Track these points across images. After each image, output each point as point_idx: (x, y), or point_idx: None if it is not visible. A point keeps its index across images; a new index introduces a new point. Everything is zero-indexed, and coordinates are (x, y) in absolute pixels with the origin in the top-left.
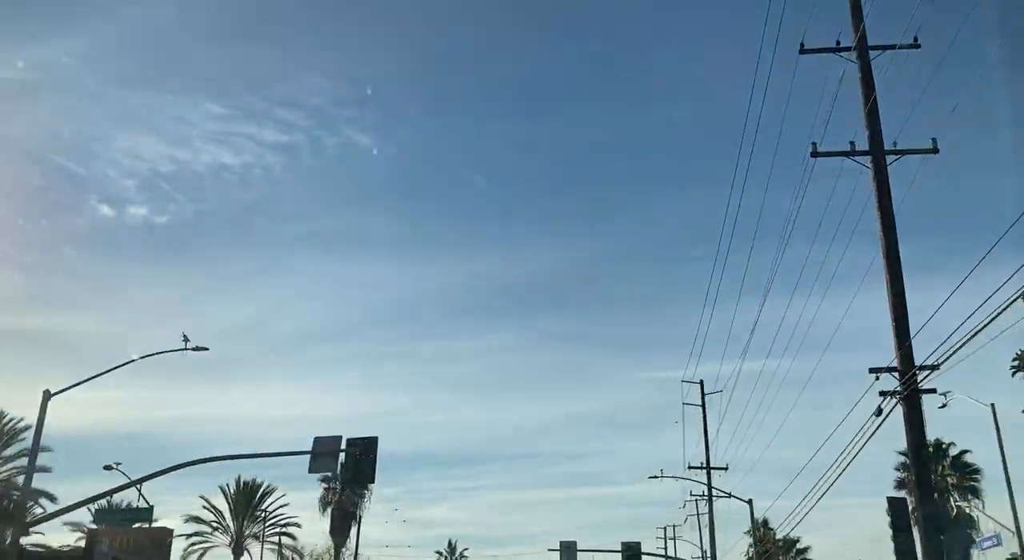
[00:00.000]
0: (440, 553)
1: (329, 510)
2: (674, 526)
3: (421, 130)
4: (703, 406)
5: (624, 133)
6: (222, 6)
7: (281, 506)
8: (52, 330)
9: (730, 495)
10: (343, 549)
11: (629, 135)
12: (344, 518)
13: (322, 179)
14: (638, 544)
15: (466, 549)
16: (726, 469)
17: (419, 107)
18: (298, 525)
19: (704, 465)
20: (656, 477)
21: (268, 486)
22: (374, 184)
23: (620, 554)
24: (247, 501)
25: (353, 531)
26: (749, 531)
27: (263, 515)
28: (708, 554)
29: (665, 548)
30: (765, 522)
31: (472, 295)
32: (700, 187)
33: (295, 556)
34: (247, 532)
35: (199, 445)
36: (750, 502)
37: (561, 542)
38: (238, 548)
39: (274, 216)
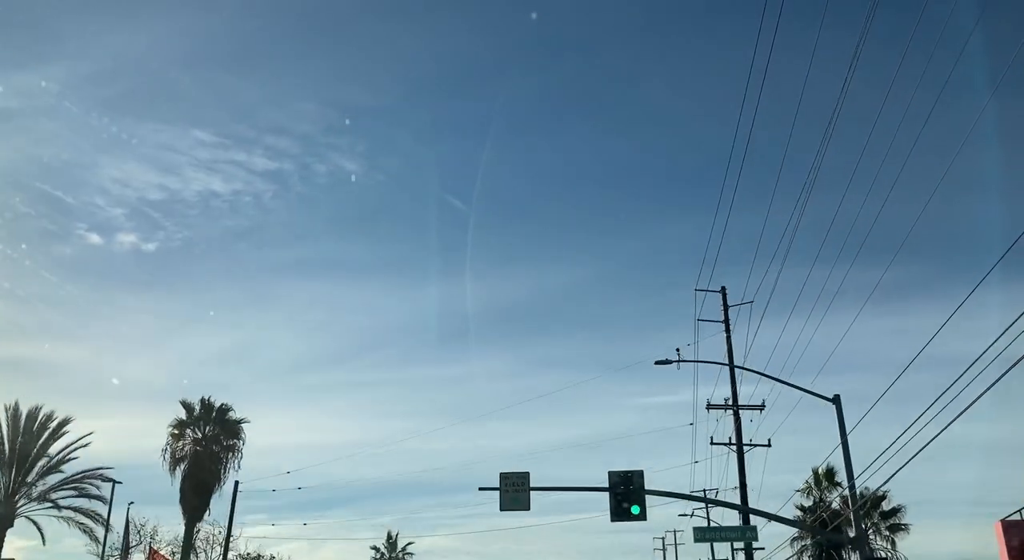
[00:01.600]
0: (376, 549)
1: (181, 469)
2: (675, 536)
3: (410, 156)
4: (726, 320)
5: (617, 158)
6: (208, 33)
7: (82, 447)
8: (38, 358)
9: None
10: (198, 525)
11: (622, 160)
12: (200, 479)
13: (311, 206)
14: (639, 472)
15: (410, 544)
16: (762, 408)
17: (408, 133)
18: (111, 480)
19: (728, 404)
20: (668, 362)
21: (66, 417)
22: (363, 210)
23: (609, 492)
24: (27, 439)
25: (224, 509)
26: (804, 487)
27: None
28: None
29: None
30: (830, 473)
31: (462, 320)
32: (693, 213)
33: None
34: (24, 490)
35: None
36: (836, 400)
37: (502, 474)
38: (7, 517)
39: (263, 243)
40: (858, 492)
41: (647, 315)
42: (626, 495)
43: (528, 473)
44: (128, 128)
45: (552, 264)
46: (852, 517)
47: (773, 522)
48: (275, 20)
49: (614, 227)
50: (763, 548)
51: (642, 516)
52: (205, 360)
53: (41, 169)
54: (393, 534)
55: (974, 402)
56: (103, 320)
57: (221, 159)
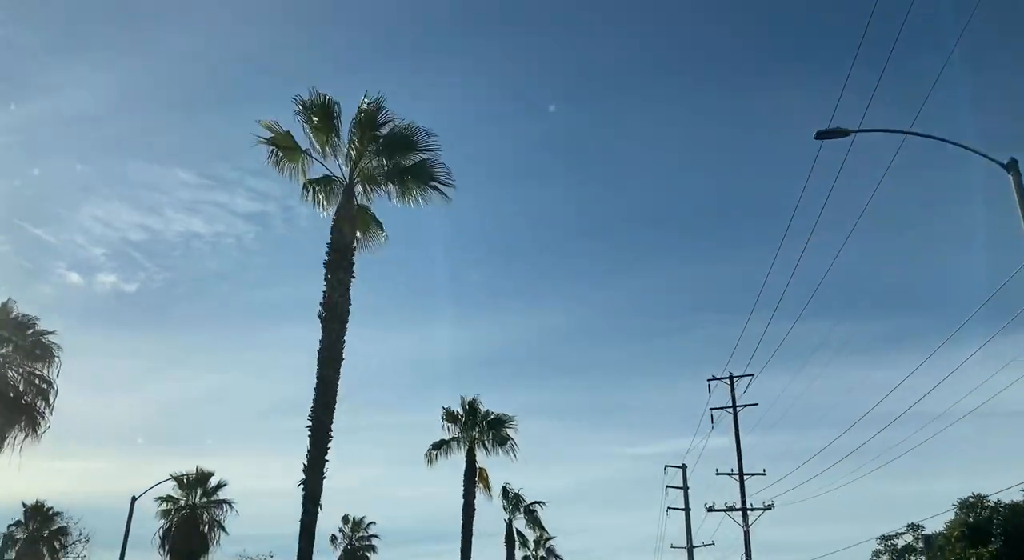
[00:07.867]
0: None
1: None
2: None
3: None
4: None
5: (601, 207)
6: (194, 76)
7: None
8: None
9: None
10: None
11: (606, 209)
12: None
13: (293, 248)
14: None
15: None
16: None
17: None
18: None
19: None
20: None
21: None
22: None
23: None
24: None
25: None
26: None
27: None
28: None
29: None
30: None
31: (446, 366)
32: (683, 262)
33: None
34: None
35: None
36: (1013, 165)
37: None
38: None
39: (245, 285)
40: None
41: (628, 366)
42: None
43: None
44: (111, 167)
45: (537, 312)
46: None
47: None
48: (260, 65)
49: (596, 274)
50: None
51: None
52: (185, 402)
53: (21, 205)
54: None
55: None
56: (82, 361)
57: (203, 200)
